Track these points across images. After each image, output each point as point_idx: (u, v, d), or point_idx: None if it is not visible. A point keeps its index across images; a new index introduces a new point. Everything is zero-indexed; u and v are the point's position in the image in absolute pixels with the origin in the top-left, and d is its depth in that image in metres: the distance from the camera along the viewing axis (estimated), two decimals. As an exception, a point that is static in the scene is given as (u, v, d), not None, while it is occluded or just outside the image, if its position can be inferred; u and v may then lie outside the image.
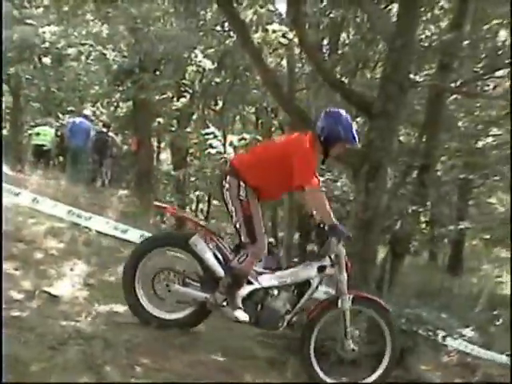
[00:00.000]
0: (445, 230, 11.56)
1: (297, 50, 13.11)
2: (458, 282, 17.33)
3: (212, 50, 17.93)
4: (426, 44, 10.71)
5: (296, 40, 10.62)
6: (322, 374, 5.87)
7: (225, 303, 5.77)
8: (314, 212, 6.00)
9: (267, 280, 5.84)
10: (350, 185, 10.36)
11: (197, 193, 25.03)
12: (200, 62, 17.66)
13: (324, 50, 15.06)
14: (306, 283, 5.81)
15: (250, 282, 5.81)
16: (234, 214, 5.78)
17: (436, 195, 11.44)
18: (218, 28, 18.47)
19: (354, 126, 5.89)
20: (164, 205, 6.91)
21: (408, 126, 12.75)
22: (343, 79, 12.88)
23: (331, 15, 13.86)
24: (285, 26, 12.22)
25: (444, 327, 7.35)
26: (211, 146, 12.05)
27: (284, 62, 15.21)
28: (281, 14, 13.99)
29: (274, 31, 12.21)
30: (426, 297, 11.13)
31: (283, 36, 12.00)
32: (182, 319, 6.13)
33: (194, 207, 26.52)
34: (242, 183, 5.72)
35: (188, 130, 20.60)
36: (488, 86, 13.38)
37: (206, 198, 25.14)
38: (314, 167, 5.76)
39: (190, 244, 5.89)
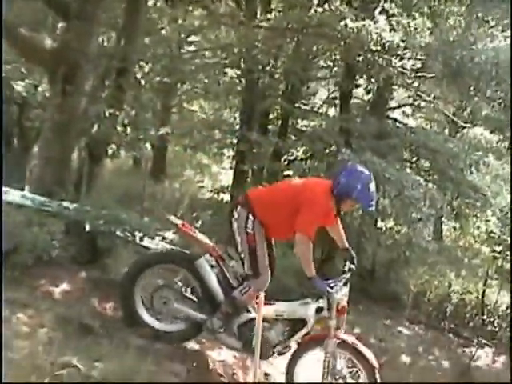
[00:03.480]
0: (145, 135, 11.70)
1: None
2: (161, 187, 17.74)
3: None
4: None
5: None
6: None
7: (221, 329, 5.79)
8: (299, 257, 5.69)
9: (266, 311, 5.68)
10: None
11: None
12: None
13: None
14: (303, 321, 5.72)
15: (247, 310, 5.80)
16: (239, 244, 5.72)
17: (134, 98, 11.48)
18: None
19: (373, 190, 5.63)
20: (177, 220, 6.27)
21: (108, 29, 12.52)
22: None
23: None
24: None
25: (141, 228, 7.49)
26: None
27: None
28: None
29: None
30: (129, 201, 11.30)
31: None
32: (176, 333, 6.09)
33: None
34: (250, 216, 5.66)
35: None
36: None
37: None
38: (317, 219, 5.58)
39: (195, 265, 5.86)
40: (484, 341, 13.14)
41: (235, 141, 15.88)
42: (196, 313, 5.95)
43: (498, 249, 15.19)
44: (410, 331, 12.47)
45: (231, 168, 17.10)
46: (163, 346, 5.96)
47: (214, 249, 5.96)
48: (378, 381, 5.58)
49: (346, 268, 5.92)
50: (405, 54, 11.42)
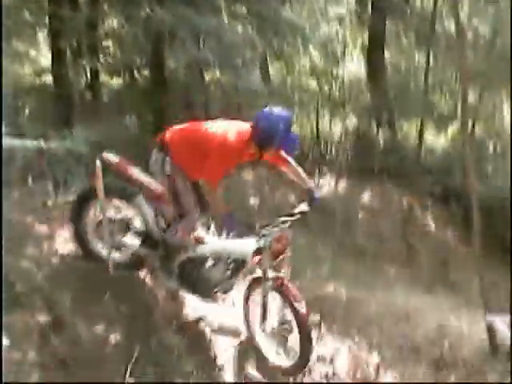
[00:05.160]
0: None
1: None
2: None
3: None
4: None
5: None
6: None
7: (162, 270, 5.86)
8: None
9: (203, 249, 5.68)
10: None
11: None
12: None
13: None
14: (243, 260, 5.55)
15: (185, 250, 5.71)
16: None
17: None
18: None
19: (295, 133, 5.34)
20: (113, 158, 5.73)
21: None
22: None
23: None
24: None
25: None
26: None
27: None
28: None
29: None
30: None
31: None
32: (124, 264, 6.07)
33: None
34: (167, 158, 5.51)
35: None
36: None
37: None
38: (224, 167, 5.36)
39: (135, 200, 5.75)
40: (324, 168, 13.99)
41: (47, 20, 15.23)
42: (140, 247, 5.98)
43: (323, 80, 15.87)
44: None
45: (49, 49, 16.43)
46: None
47: (153, 190, 5.76)
48: (310, 328, 5.59)
49: (296, 210, 5.62)
50: None
